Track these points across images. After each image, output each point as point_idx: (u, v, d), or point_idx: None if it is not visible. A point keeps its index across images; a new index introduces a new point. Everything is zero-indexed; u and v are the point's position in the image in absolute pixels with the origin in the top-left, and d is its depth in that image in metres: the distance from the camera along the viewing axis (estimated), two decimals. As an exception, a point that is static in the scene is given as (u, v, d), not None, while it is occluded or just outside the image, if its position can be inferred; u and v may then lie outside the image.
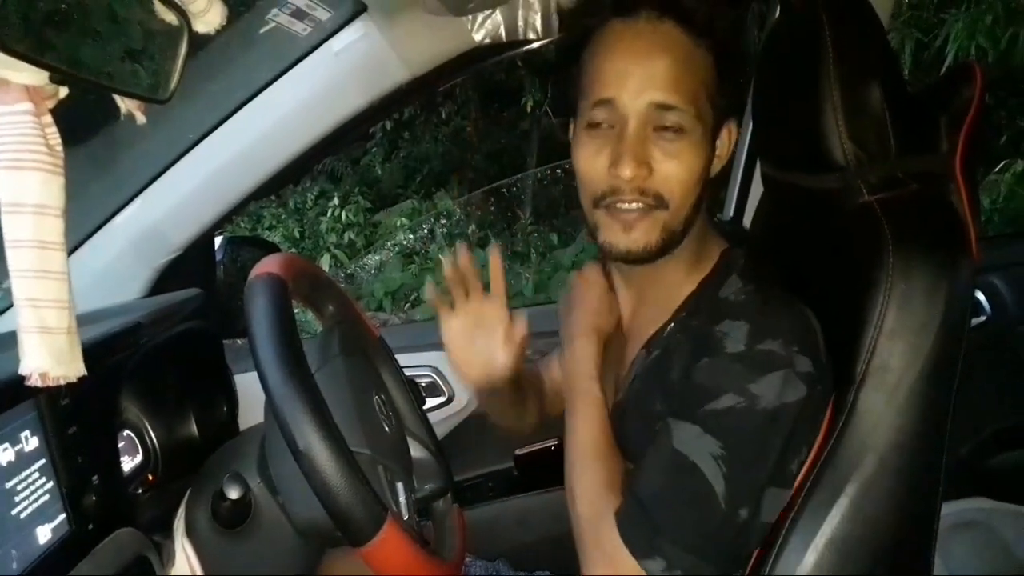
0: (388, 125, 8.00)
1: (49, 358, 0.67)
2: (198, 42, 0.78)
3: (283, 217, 7.97)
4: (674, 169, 0.86)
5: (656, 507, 0.83)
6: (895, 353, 0.85)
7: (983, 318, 1.81)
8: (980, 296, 1.82)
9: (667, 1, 0.85)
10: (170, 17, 0.74)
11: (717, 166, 0.93)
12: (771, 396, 0.80)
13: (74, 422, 0.86)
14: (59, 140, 0.66)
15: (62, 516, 0.84)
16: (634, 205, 0.87)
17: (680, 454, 0.82)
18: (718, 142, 0.91)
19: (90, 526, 0.88)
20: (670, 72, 0.84)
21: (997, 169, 4.81)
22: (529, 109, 7.32)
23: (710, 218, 0.97)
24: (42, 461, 0.82)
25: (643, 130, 0.85)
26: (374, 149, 8.43)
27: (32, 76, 0.64)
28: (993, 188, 4.68)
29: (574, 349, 1.03)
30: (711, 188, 0.94)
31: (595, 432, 0.96)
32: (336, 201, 7.74)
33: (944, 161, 0.92)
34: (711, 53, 0.86)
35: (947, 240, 0.88)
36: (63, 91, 0.67)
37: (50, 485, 0.83)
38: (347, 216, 7.58)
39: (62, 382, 0.69)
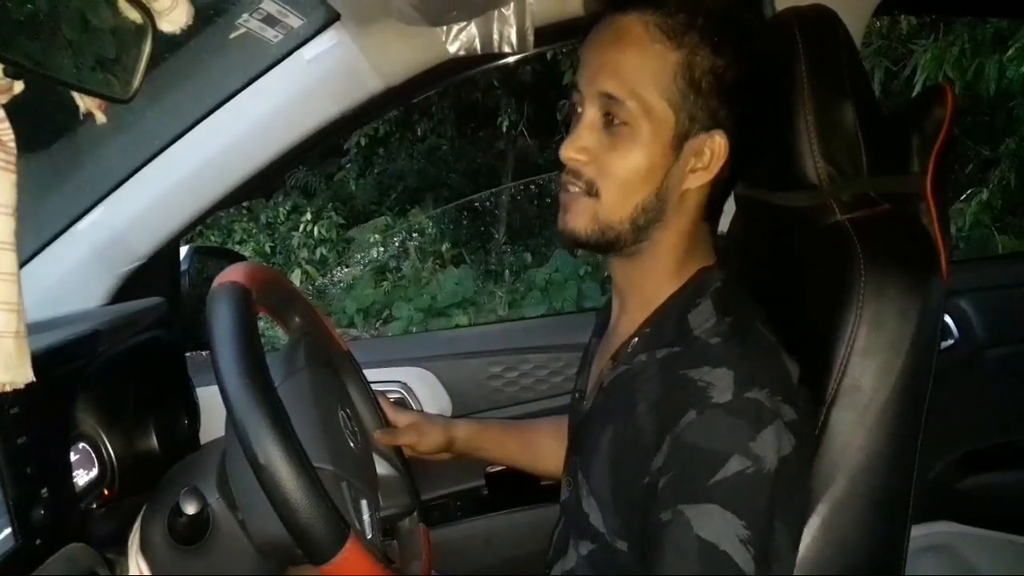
0: (363, 141, 7.96)
1: (-5, 363, 0.65)
2: (165, 44, 0.77)
3: (254, 231, 7.89)
4: (611, 160, 0.86)
5: None
6: (867, 372, 0.85)
7: (951, 341, 1.82)
8: (948, 320, 1.83)
9: None
10: (134, 15, 0.72)
11: (697, 180, 0.87)
12: (771, 454, 0.76)
13: (24, 432, 0.83)
14: (12, 136, 0.64)
15: (8, 530, 0.81)
16: (570, 188, 0.89)
17: (708, 544, 0.74)
18: (688, 151, 0.86)
19: (38, 541, 0.84)
20: (620, 63, 0.85)
21: (963, 198, 4.90)
22: (505, 129, 7.34)
23: (705, 233, 0.93)
24: (-12, 472, 0.79)
25: (595, 118, 0.87)
26: (348, 165, 8.39)
27: (-15, 70, 0.62)
28: (958, 216, 4.76)
29: None
30: (709, 203, 0.90)
31: None
32: (309, 216, 7.68)
33: (916, 181, 0.92)
34: (680, 56, 0.83)
35: (918, 259, 0.89)
36: (18, 86, 0.65)
37: (-4, 498, 0.79)
38: (320, 232, 7.52)
39: (8, 388, 0.66)
